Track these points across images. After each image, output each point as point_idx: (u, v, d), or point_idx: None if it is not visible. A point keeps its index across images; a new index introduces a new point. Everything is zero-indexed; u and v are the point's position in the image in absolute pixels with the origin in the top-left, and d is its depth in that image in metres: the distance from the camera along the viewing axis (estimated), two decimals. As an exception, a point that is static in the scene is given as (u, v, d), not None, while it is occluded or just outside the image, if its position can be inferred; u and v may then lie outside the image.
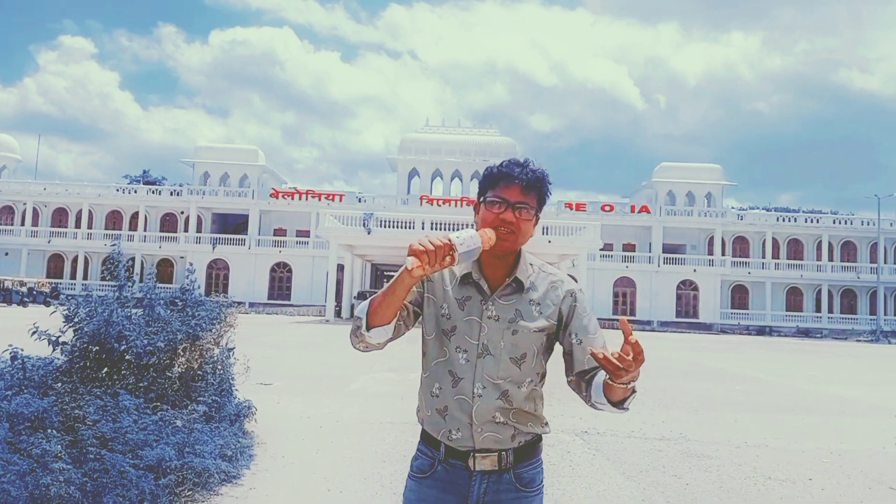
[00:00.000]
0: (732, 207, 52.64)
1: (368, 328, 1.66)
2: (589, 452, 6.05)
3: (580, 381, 1.73)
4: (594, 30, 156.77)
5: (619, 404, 1.63)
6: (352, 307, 35.99)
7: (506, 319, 1.71)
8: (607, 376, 1.55)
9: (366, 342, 1.68)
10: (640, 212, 48.31)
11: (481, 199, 1.76)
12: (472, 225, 1.79)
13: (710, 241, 48.89)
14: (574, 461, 5.69)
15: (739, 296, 48.64)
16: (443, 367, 1.74)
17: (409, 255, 1.50)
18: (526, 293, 1.74)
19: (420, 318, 1.81)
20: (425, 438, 1.80)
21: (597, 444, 6.39)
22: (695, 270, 46.73)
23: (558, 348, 1.83)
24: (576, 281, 1.82)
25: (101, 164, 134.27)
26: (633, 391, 1.62)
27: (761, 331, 45.03)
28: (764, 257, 48.56)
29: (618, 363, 1.47)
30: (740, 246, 49.85)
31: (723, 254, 48.01)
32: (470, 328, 1.71)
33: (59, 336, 5.12)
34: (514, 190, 1.70)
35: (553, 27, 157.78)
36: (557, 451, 6.00)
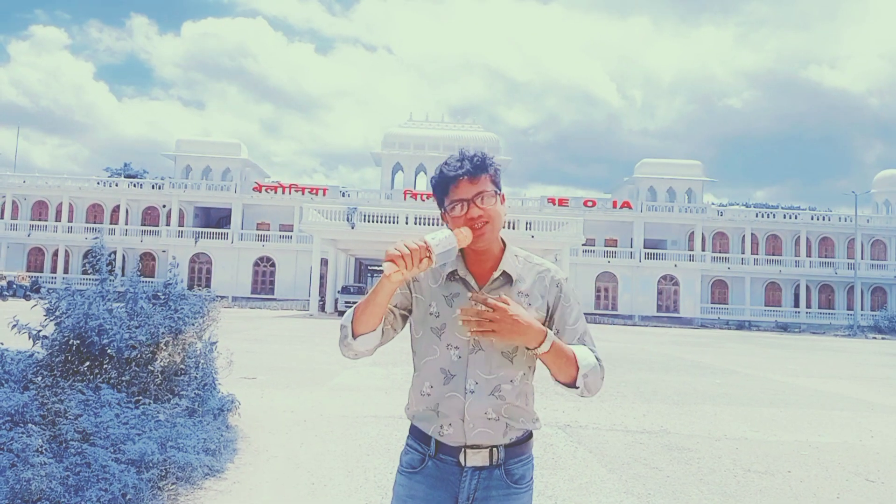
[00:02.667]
0: (712, 203, 53.12)
1: (355, 336, 1.66)
2: (571, 445, 6.10)
3: None
4: (567, 25, 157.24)
5: (570, 384, 1.67)
6: (335, 301, 35.90)
7: None
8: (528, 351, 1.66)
9: (354, 350, 1.68)
10: (621, 207, 48.58)
11: (443, 209, 1.74)
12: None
13: (691, 237, 49.31)
14: (557, 454, 5.73)
15: (719, 291, 49.12)
16: (434, 364, 1.73)
17: (385, 262, 1.50)
18: (514, 285, 1.74)
19: (408, 321, 1.80)
20: (415, 434, 1.79)
21: (579, 437, 6.44)
22: (675, 266, 47.11)
23: None
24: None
25: (78, 156, 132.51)
26: (578, 367, 1.65)
27: (741, 325, 45.51)
28: (743, 253, 49.07)
29: (471, 315, 1.60)
30: (720, 241, 50.32)
31: (703, 249, 48.45)
32: (459, 325, 1.69)
33: (40, 330, 5.08)
34: (463, 186, 1.68)
35: (527, 22, 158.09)
36: (541, 444, 6.04)
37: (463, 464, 1.71)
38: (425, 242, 1.52)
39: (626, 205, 48.60)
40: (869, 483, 5.26)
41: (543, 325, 1.74)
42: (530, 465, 1.79)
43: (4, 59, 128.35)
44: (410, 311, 1.78)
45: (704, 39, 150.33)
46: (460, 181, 1.68)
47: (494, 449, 1.71)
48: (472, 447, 1.70)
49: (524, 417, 1.75)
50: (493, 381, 1.70)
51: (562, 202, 48.13)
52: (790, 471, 5.52)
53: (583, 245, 40.34)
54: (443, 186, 1.72)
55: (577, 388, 1.67)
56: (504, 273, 1.73)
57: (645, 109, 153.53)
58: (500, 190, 1.74)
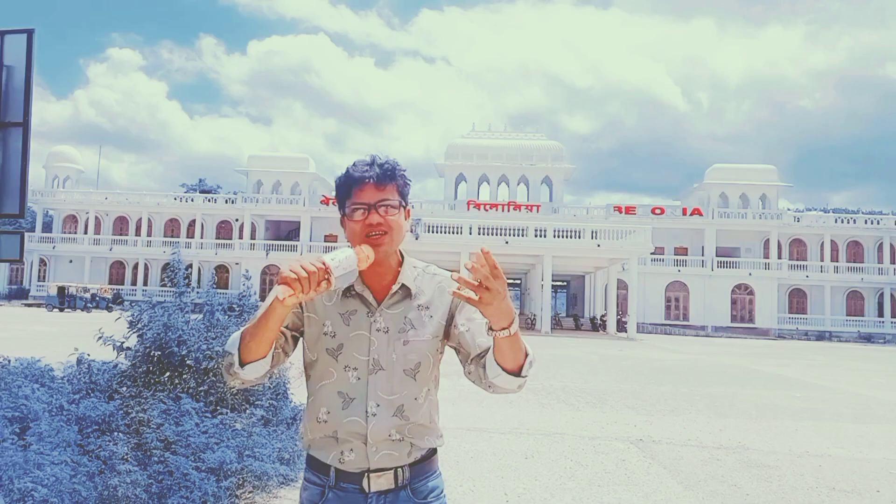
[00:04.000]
0: (788, 209, 51.19)
1: (243, 364, 1.53)
2: (644, 461, 5.96)
3: (477, 368, 1.60)
4: (627, 28, 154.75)
5: (515, 372, 1.53)
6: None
7: (396, 330, 1.61)
8: (491, 333, 1.47)
9: (241, 378, 1.55)
10: (692, 214, 47.33)
11: (343, 212, 1.64)
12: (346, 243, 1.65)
13: (766, 244, 47.56)
14: (630, 469, 5.61)
15: (797, 300, 47.19)
16: (330, 388, 1.61)
17: (278, 284, 1.39)
18: (413, 299, 1.64)
19: (299, 342, 1.69)
20: (312, 464, 1.65)
21: (652, 452, 6.29)
22: (750, 274, 45.51)
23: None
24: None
25: (153, 173, 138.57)
26: (526, 353, 1.52)
27: (820, 336, 43.61)
28: (822, 260, 47.01)
29: (474, 280, 1.37)
30: (797, 249, 48.39)
31: (779, 257, 46.65)
32: (358, 344, 1.60)
33: (123, 341, 5.31)
34: (368, 190, 1.59)
35: (585, 27, 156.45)
36: (612, 459, 5.93)
37: (367, 490, 1.60)
38: (324, 264, 1.41)
39: (697, 212, 47.31)
40: (968, 506, 4.94)
41: (445, 332, 1.65)
42: (439, 478, 1.70)
43: (84, 81, 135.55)
44: (302, 332, 1.66)
45: (772, 39, 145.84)
46: (365, 185, 1.59)
47: (399, 470, 1.61)
48: (375, 471, 1.60)
49: (429, 435, 1.66)
50: (396, 400, 1.60)
51: (628, 210, 47.26)
52: (879, 490, 5.24)
53: (651, 254, 39.44)
54: (346, 188, 1.62)
55: (523, 376, 1.54)
56: (403, 286, 1.63)
57: (712, 113, 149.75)
58: (406, 203, 1.65)
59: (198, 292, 6.01)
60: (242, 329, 1.55)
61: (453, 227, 34.26)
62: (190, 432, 4.29)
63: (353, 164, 1.64)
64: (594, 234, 33.60)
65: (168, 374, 5.13)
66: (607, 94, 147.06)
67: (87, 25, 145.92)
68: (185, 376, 5.13)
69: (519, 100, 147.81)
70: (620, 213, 46.86)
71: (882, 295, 46.10)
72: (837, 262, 47.21)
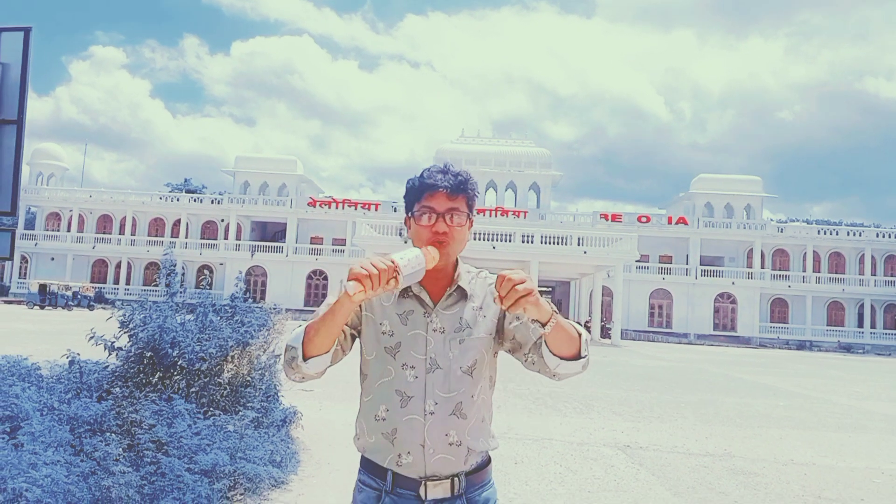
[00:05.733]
0: (771, 220, 51.68)
1: (306, 359, 1.55)
2: (633, 467, 6.00)
3: (539, 357, 1.64)
4: (610, 37, 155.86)
5: (575, 357, 1.58)
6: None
7: (451, 330, 1.65)
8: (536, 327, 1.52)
9: (303, 373, 1.58)
10: (677, 223, 47.68)
11: (410, 213, 1.69)
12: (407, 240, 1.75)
13: (749, 254, 48.02)
14: (618, 475, 5.64)
15: (779, 309, 47.64)
16: (388, 386, 1.64)
17: (349, 280, 1.41)
18: (469, 300, 1.69)
19: (356, 340, 1.72)
20: (368, 468, 1.68)
21: (640, 459, 6.33)
22: (733, 283, 45.90)
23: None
24: None
25: (135, 171, 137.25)
26: (580, 334, 1.57)
27: (801, 345, 44.02)
28: (804, 271, 47.51)
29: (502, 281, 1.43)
30: (780, 259, 48.88)
31: (762, 267, 47.12)
32: (415, 343, 1.64)
33: (114, 341, 5.27)
34: (440, 198, 1.64)
35: (569, 35, 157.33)
36: (601, 465, 5.96)
37: (423, 497, 1.62)
38: (393, 262, 1.44)
39: (682, 220, 47.68)
40: (950, 515, 5.03)
41: (497, 331, 1.71)
42: (493, 489, 1.74)
43: (66, 78, 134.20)
44: (360, 332, 1.71)
45: (753, 51, 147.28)
46: (437, 192, 1.64)
47: (455, 478, 1.64)
48: (431, 478, 1.62)
49: (483, 436, 1.69)
50: (454, 398, 1.63)
51: (615, 218, 47.53)
52: (863, 499, 5.31)
53: (637, 261, 39.69)
54: (418, 191, 1.67)
55: (584, 356, 1.59)
56: (459, 289, 1.69)
57: (695, 123, 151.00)
58: (472, 215, 1.70)
59: (192, 293, 5.98)
60: (306, 324, 1.57)
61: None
62: (182, 434, 4.27)
63: (428, 170, 1.69)
64: (580, 241, 33.73)
65: (159, 374, 5.10)
66: (591, 103, 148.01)
67: (70, 23, 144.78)
68: (176, 377, 5.10)
69: (503, 106, 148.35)
70: (607, 220, 47.11)
71: (862, 306, 46.65)
72: (819, 272, 47.73)
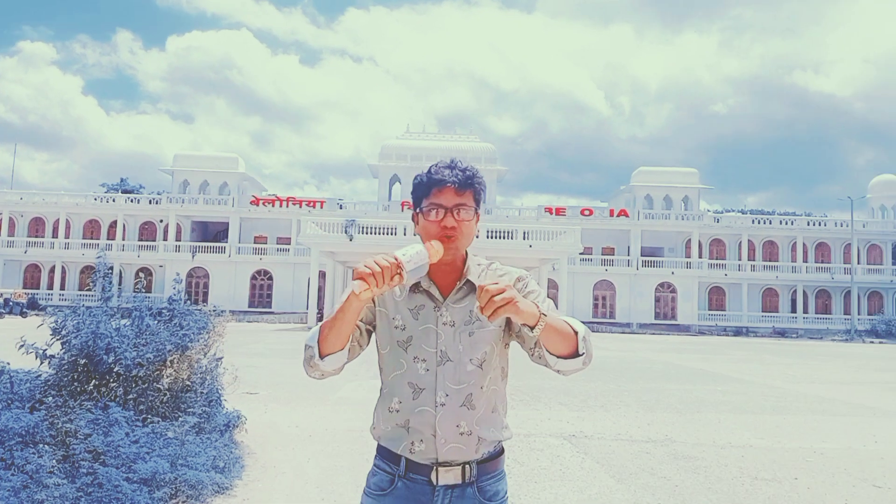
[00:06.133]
0: (708, 210, 53.27)
1: (322, 357, 1.62)
2: (578, 456, 6.11)
3: (543, 352, 1.66)
4: (551, 32, 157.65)
5: (572, 354, 1.60)
6: (333, 314, 35.70)
7: (461, 323, 1.69)
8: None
9: (321, 370, 1.64)
10: (618, 216, 48.69)
11: (418, 209, 1.73)
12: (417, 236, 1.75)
13: (688, 244, 49.41)
14: (565, 465, 5.74)
15: (716, 297, 49.17)
16: (401, 379, 1.69)
17: (355, 279, 1.46)
18: None
19: (372, 336, 1.77)
20: (383, 454, 1.74)
21: (585, 448, 6.45)
22: (673, 273, 47.18)
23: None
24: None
25: (68, 172, 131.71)
26: (576, 332, 1.59)
27: (738, 332, 45.54)
28: (740, 259, 49.15)
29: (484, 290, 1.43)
30: (717, 248, 50.43)
31: (700, 256, 48.53)
32: (426, 337, 1.68)
33: (46, 349, 5.08)
34: (448, 193, 1.67)
35: (510, 30, 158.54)
36: (547, 456, 6.05)
37: (434, 482, 1.67)
38: (396, 259, 1.48)
39: (623, 213, 48.71)
40: (876, 488, 5.28)
41: (507, 322, 1.73)
42: (504, 480, 1.77)
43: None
44: (375, 327, 1.76)
45: (688, 46, 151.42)
46: (445, 188, 1.67)
47: (467, 466, 1.68)
48: (443, 464, 1.67)
49: (494, 426, 1.73)
50: (464, 390, 1.67)
51: (559, 211, 48.22)
52: (797, 478, 5.54)
53: (580, 254, 40.37)
54: (426, 187, 1.70)
55: (582, 354, 1.61)
56: (468, 282, 1.72)
57: (634, 117, 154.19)
58: (479, 209, 1.73)
59: (127, 297, 5.80)
60: (321, 323, 1.63)
61: (387, 228, 34.14)
62: (120, 442, 4.16)
63: (436, 165, 1.72)
64: (526, 235, 34.12)
65: (94, 382, 4.94)
66: (533, 97, 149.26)
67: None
68: (112, 385, 4.96)
69: (447, 101, 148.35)
70: (551, 214, 47.77)
71: (795, 292, 48.56)
72: (754, 260, 49.45)
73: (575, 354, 1.62)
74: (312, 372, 1.66)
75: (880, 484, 5.42)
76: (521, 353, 1.80)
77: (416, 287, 1.70)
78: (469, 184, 1.70)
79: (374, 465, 1.77)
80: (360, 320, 1.72)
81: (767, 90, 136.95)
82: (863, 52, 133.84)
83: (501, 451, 1.78)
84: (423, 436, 1.66)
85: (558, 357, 1.61)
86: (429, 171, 1.72)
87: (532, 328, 1.52)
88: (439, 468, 1.66)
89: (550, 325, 1.54)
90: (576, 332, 1.61)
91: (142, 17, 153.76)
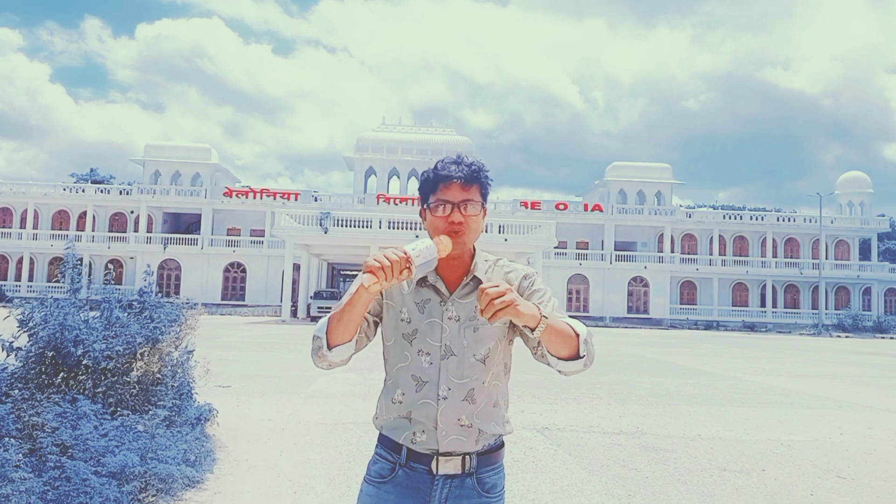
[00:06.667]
0: (681, 206, 53.90)
1: (330, 347, 1.64)
2: (551, 448, 6.16)
3: (542, 350, 1.66)
4: (525, 26, 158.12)
5: (573, 357, 1.61)
6: (308, 307, 35.65)
7: (466, 318, 1.70)
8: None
9: (329, 361, 1.67)
10: (593, 210, 49.08)
11: (425, 205, 1.74)
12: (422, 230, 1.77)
13: (661, 239, 49.99)
14: (537, 457, 5.78)
15: (688, 291, 49.84)
16: (405, 371, 1.72)
17: (364, 272, 1.47)
18: None
19: (379, 327, 1.79)
20: (385, 443, 1.76)
21: (558, 440, 6.50)
22: (645, 267, 47.71)
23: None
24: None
25: (36, 161, 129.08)
26: (577, 334, 1.59)
27: (709, 325, 46.22)
28: (711, 254, 49.88)
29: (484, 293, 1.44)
30: (689, 243, 51.09)
31: (672, 251, 49.15)
32: (431, 330, 1.70)
33: (13, 341, 4.98)
34: (454, 189, 1.68)
35: (485, 23, 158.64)
36: (520, 448, 6.09)
37: (434, 472, 1.69)
38: (405, 253, 1.48)
39: (598, 208, 49.10)
40: (840, 479, 5.40)
41: (511, 322, 1.71)
42: (502, 473, 1.79)
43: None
44: (382, 319, 1.78)
45: (661, 41, 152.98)
46: (452, 183, 1.68)
47: (467, 456, 1.70)
48: (444, 455, 1.69)
49: (495, 421, 1.74)
50: (466, 385, 1.69)
51: (534, 205, 48.46)
52: (765, 469, 5.64)
53: (555, 248, 40.65)
54: (433, 183, 1.71)
55: (583, 356, 1.62)
56: (475, 278, 1.73)
57: (608, 111, 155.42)
58: (486, 203, 1.74)
59: (97, 289, 5.71)
60: (329, 314, 1.64)
61: (363, 221, 34.00)
62: (88, 436, 4.09)
63: (442, 161, 1.72)
64: (501, 229, 34.23)
65: (62, 374, 4.86)
66: (508, 91, 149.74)
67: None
68: (81, 377, 4.88)
69: (422, 93, 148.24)
70: (526, 208, 47.99)
71: (764, 287, 49.40)
72: (725, 255, 50.21)
73: (576, 356, 1.62)
74: (320, 362, 1.69)
75: (844, 475, 5.54)
76: (522, 350, 1.81)
77: (423, 281, 1.72)
78: (475, 178, 1.71)
79: (376, 453, 1.79)
80: (368, 312, 1.73)
81: (739, 86, 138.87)
82: (831, 50, 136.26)
83: (502, 445, 1.79)
84: (424, 427, 1.69)
85: (559, 358, 1.63)
86: (435, 167, 1.73)
87: (532, 330, 1.53)
88: (440, 458, 1.69)
89: (551, 327, 1.55)
90: (577, 335, 1.61)
91: (110, 4, 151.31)
